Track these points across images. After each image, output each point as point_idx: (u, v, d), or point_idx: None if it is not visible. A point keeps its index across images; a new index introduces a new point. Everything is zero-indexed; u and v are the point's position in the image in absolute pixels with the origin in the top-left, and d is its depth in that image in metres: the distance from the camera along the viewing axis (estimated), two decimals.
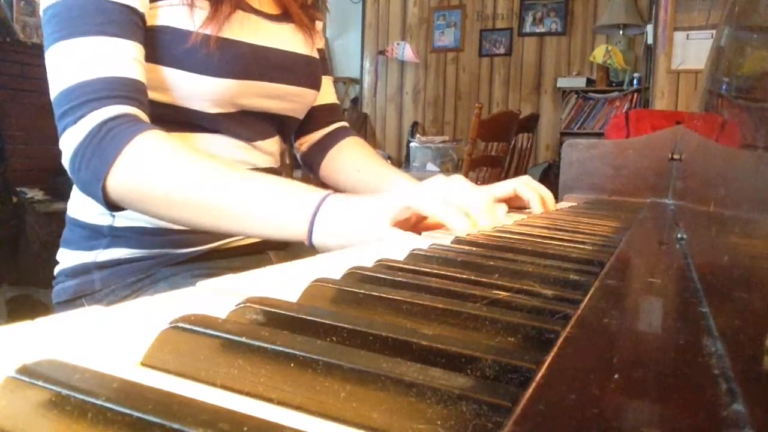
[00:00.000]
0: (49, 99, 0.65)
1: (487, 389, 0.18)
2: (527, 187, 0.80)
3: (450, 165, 3.60)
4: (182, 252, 0.77)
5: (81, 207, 0.78)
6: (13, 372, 0.18)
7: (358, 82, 5.28)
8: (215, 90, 0.73)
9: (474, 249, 0.45)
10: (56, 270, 0.81)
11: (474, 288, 0.31)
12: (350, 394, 0.19)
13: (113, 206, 0.65)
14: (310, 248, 0.61)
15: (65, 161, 0.65)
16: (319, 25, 0.94)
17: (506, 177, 2.77)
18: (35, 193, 2.92)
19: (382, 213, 0.57)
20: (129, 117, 0.64)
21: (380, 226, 0.57)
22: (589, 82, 4.45)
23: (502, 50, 4.79)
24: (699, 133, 0.73)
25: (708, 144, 0.58)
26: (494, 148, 2.69)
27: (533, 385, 0.18)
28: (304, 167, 1.02)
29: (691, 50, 3.25)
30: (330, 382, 0.19)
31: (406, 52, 4.94)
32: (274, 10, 0.83)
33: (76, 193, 0.79)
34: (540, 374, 0.19)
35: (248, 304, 0.26)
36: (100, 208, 0.76)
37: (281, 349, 0.21)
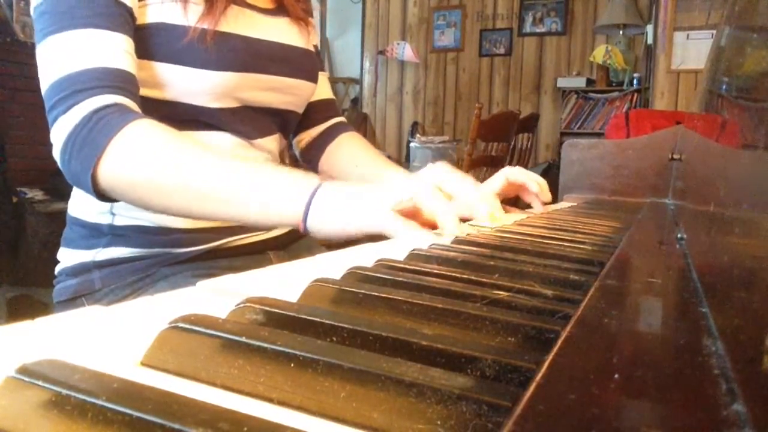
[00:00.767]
0: None
1: (487, 389, 0.18)
2: (516, 172, 0.82)
3: (450, 165, 3.59)
4: (182, 251, 0.77)
5: (81, 206, 0.78)
6: (13, 372, 0.18)
7: (358, 82, 5.28)
8: (214, 83, 0.73)
9: (474, 249, 0.45)
10: (57, 269, 0.81)
11: (474, 288, 0.31)
12: (350, 394, 0.19)
13: (103, 196, 0.64)
14: (306, 239, 0.61)
15: (56, 152, 0.64)
16: (312, 19, 0.94)
17: None
18: (35, 193, 2.92)
19: (381, 200, 0.58)
20: (120, 106, 0.64)
21: (378, 214, 0.57)
22: (589, 82, 4.45)
23: (502, 50, 4.79)
24: (699, 133, 0.73)
25: (708, 144, 0.58)
26: (494, 148, 2.69)
27: (533, 385, 0.18)
28: (304, 163, 1.03)
29: (691, 50, 3.25)
30: (330, 382, 0.19)
31: (406, 52, 4.94)
32: (268, 4, 0.83)
33: (76, 192, 0.79)
34: (540, 374, 0.19)
35: (248, 304, 0.26)
36: (101, 207, 0.76)
37: (281, 349, 0.21)
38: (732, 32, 0.53)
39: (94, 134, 0.61)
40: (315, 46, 0.95)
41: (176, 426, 0.16)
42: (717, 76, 0.61)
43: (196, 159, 0.62)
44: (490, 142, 2.65)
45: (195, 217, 0.67)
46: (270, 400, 0.19)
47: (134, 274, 0.77)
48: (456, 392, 0.18)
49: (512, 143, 2.78)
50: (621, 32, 4.19)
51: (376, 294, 0.29)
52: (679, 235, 0.55)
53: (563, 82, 4.51)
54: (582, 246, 0.49)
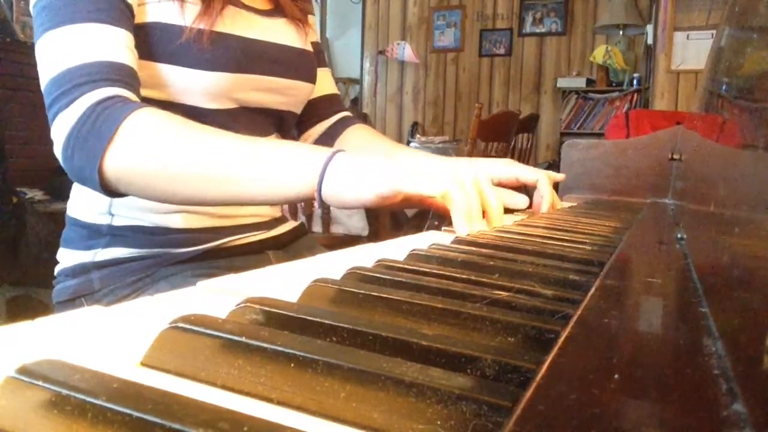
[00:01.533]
0: None
1: (487, 389, 0.18)
2: (548, 186, 0.81)
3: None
4: (182, 251, 0.77)
5: (81, 206, 0.78)
6: (13, 372, 0.18)
7: (358, 82, 5.28)
8: (210, 84, 0.73)
9: (474, 249, 0.45)
10: (56, 270, 0.81)
11: (474, 288, 0.31)
12: (350, 394, 0.19)
13: (109, 190, 0.63)
14: (318, 207, 0.59)
15: (57, 149, 0.63)
16: (311, 18, 0.94)
17: None
18: (35, 193, 2.91)
19: (396, 174, 0.55)
20: (122, 98, 0.63)
21: (393, 187, 0.54)
22: (589, 82, 4.45)
23: (502, 50, 4.79)
24: (699, 133, 0.73)
25: (708, 144, 0.58)
26: (494, 148, 2.69)
27: (533, 385, 0.18)
28: None
29: (691, 50, 3.25)
30: (330, 382, 0.19)
31: (406, 52, 4.94)
32: (264, 5, 0.83)
33: (75, 192, 0.79)
34: (540, 374, 0.19)
35: (248, 304, 0.26)
36: (100, 207, 0.76)
37: (281, 349, 0.21)
38: (732, 32, 0.53)
39: (98, 126, 0.60)
40: (315, 43, 0.94)
41: (176, 426, 0.16)
42: (717, 77, 0.61)
43: (204, 141, 0.61)
44: (490, 142, 2.65)
45: (206, 202, 0.65)
46: (270, 400, 0.19)
47: (134, 274, 0.77)
48: (456, 392, 0.18)
49: (512, 143, 2.78)
50: (621, 32, 4.19)
51: (376, 294, 0.29)
52: (679, 235, 0.55)
53: (563, 83, 4.51)
54: (582, 246, 0.49)
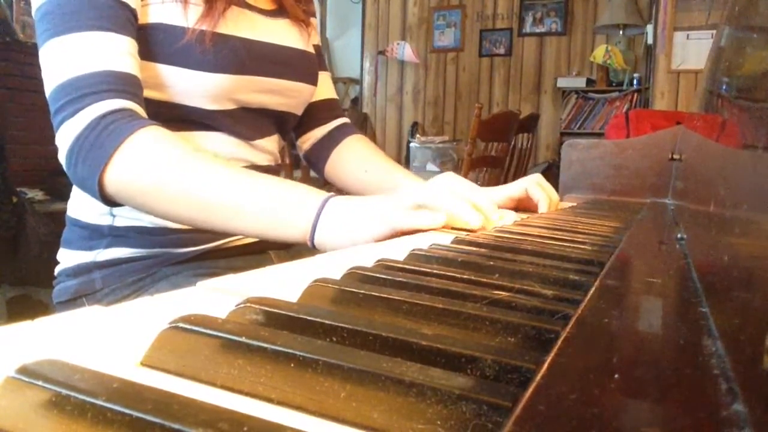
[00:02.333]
0: None
1: (487, 389, 0.18)
2: (538, 186, 0.81)
3: (450, 165, 3.60)
4: (183, 251, 0.77)
5: (81, 207, 0.78)
6: (13, 372, 0.18)
7: (358, 82, 5.28)
8: (211, 85, 0.73)
9: (474, 249, 0.45)
10: (57, 270, 0.81)
11: (474, 288, 0.31)
12: (350, 394, 0.19)
13: (109, 201, 0.64)
14: (311, 249, 0.61)
15: (61, 156, 0.64)
16: (313, 21, 0.94)
17: (506, 177, 2.78)
18: (35, 193, 2.92)
19: (396, 204, 0.57)
20: (128, 111, 0.63)
21: (395, 213, 0.56)
22: (589, 82, 4.45)
23: (502, 50, 4.79)
24: (699, 133, 0.73)
25: (708, 144, 0.57)
26: (494, 148, 2.68)
27: (533, 385, 0.18)
28: (308, 166, 1.02)
29: (691, 50, 3.25)
30: (330, 382, 0.19)
31: (406, 52, 4.94)
32: (268, 5, 0.83)
33: (76, 193, 0.79)
34: (540, 374, 0.19)
35: (248, 304, 0.26)
36: (101, 208, 0.76)
37: (281, 349, 0.21)
38: (732, 32, 0.53)
39: (102, 139, 0.61)
40: (317, 46, 0.94)
41: (176, 426, 0.16)
42: (717, 76, 0.61)
43: (204, 169, 0.62)
44: (490, 142, 2.64)
45: (199, 227, 0.67)
46: (270, 400, 0.19)
47: (135, 274, 0.77)
48: (456, 392, 0.18)
49: (512, 143, 2.78)
50: (621, 32, 4.19)
51: (376, 294, 0.29)
52: (679, 235, 0.55)
53: (563, 82, 4.51)
54: (582, 246, 0.49)
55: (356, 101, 5.26)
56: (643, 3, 4.23)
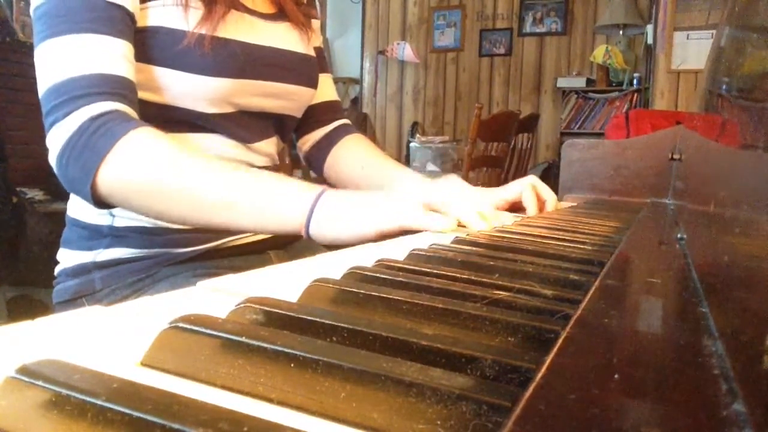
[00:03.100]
0: None
1: (487, 389, 0.18)
2: (530, 190, 0.81)
3: (450, 165, 3.60)
4: (182, 251, 0.77)
5: (81, 207, 0.78)
6: (13, 372, 0.18)
7: (358, 82, 5.28)
8: (210, 89, 0.73)
9: (474, 249, 0.45)
10: (56, 270, 0.81)
11: (474, 288, 0.31)
12: (350, 394, 0.19)
13: (101, 203, 0.64)
14: (307, 240, 0.61)
15: (52, 157, 0.64)
16: (315, 23, 0.94)
17: (506, 177, 2.78)
18: (35, 193, 2.91)
19: (401, 210, 0.57)
20: (120, 113, 0.63)
21: (407, 210, 0.57)
22: (589, 82, 4.45)
23: (502, 50, 4.79)
24: (699, 133, 0.73)
25: (708, 144, 0.57)
26: (494, 148, 2.69)
27: (533, 385, 0.18)
28: (308, 167, 1.02)
29: (691, 50, 3.25)
30: (330, 382, 0.19)
31: (406, 52, 4.94)
32: (268, 9, 0.83)
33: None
34: (540, 374, 0.19)
35: (248, 304, 0.26)
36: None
37: (281, 349, 0.21)
38: (732, 32, 0.53)
39: (94, 140, 0.61)
40: (318, 48, 0.94)
41: (176, 426, 0.16)
42: (717, 76, 0.61)
43: (197, 166, 0.62)
44: (490, 142, 2.64)
45: (195, 225, 0.67)
46: (270, 400, 0.19)
47: (135, 274, 0.77)
48: (456, 392, 0.18)
49: (512, 143, 2.78)
50: (621, 32, 4.19)
51: (376, 294, 0.29)
52: (679, 235, 0.55)
53: (563, 82, 4.51)
54: (582, 246, 0.49)
55: (356, 101, 5.26)
56: (643, 3, 4.23)
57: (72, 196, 0.80)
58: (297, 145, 1.00)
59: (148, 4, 0.70)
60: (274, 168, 0.89)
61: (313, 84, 0.88)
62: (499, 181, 2.69)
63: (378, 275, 0.33)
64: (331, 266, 0.38)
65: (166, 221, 0.71)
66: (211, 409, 0.17)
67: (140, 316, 0.27)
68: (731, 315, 0.24)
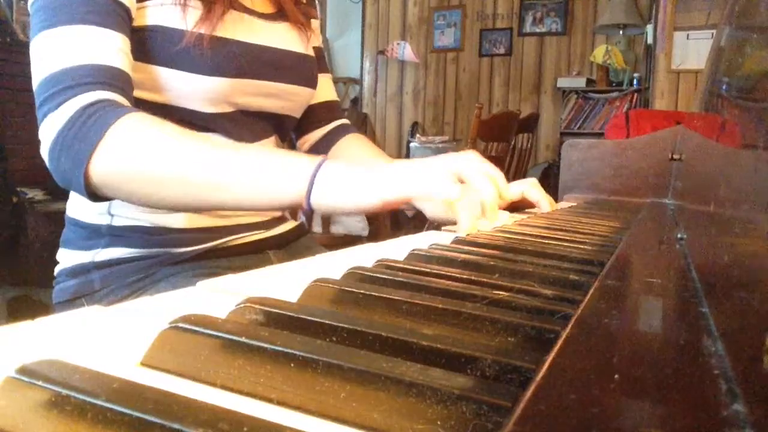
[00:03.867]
0: None
1: (487, 389, 0.18)
2: (537, 188, 0.81)
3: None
4: (182, 251, 0.77)
5: (80, 207, 0.78)
6: (13, 372, 0.18)
7: (358, 82, 5.28)
8: (209, 89, 0.73)
9: (474, 249, 0.45)
10: (56, 270, 0.81)
11: (474, 288, 0.31)
12: (350, 394, 0.19)
13: (93, 194, 0.63)
14: (308, 210, 0.59)
15: (44, 150, 0.63)
16: (315, 23, 0.94)
17: (506, 177, 2.77)
18: (35, 193, 2.91)
19: (424, 168, 0.56)
20: (111, 102, 0.62)
21: (401, 190, 0.55)
22: (589, 82, 4.45)
23: (502, 50, 4.79)
24: (699, 133, 0.73)
25: (708, 144, 0.57)
26: (494, 148, 2.68)
27: (533, 385, 0.18)
28: None
29: (691, 50, 3.25)
30: (330, 382, 0.19)
31: (406, 52, 4.93)
32: (267, 9, 0.83)
33: (74, 192, 0.79)
34: (540, 374, 0.19)
35: (248, 304, 0.26)
36: (99, 208, 0.76)
37: (281, 349, 0.21)
38: (732, 32, 0.53)
39: (86, 130, 0.60)
40: (318, 48, 0.94)
41: (176, 426, 0.16)
42: (717, 76, 0.61)
43: (191, 146, 0.61)
44: (490, 142, 2.64)
45: (192, 208, 0.65)
46: (270, 400, 0.19)
47: (134, 274, 0.77)
48: (456, 392, 0.18)
49: (512, 143, 2.78)
50: (621, 32, 4.19)
51: (376, 294, 0.29)
52: (679, 235, 0.55)
53: (563, 82, 4.51)
54: (582, 246, 0.49)
55: (356, 101, 5.26)
56: (643, 3, 4.23)
57: (71, 195, 0.80)
58: (296, 144, 1.00)
59: (146, 3, 0.70)
60: None
61: (312, 84, 0.88)
62: None
63: (378, 275, 0.33)
64: (331, 266, 0.38)
65: (163, 208, 0.69)
66: (211, 409, 0.17)
67: (140, 316, 0.27)
68: (731, 315, 0.24)
